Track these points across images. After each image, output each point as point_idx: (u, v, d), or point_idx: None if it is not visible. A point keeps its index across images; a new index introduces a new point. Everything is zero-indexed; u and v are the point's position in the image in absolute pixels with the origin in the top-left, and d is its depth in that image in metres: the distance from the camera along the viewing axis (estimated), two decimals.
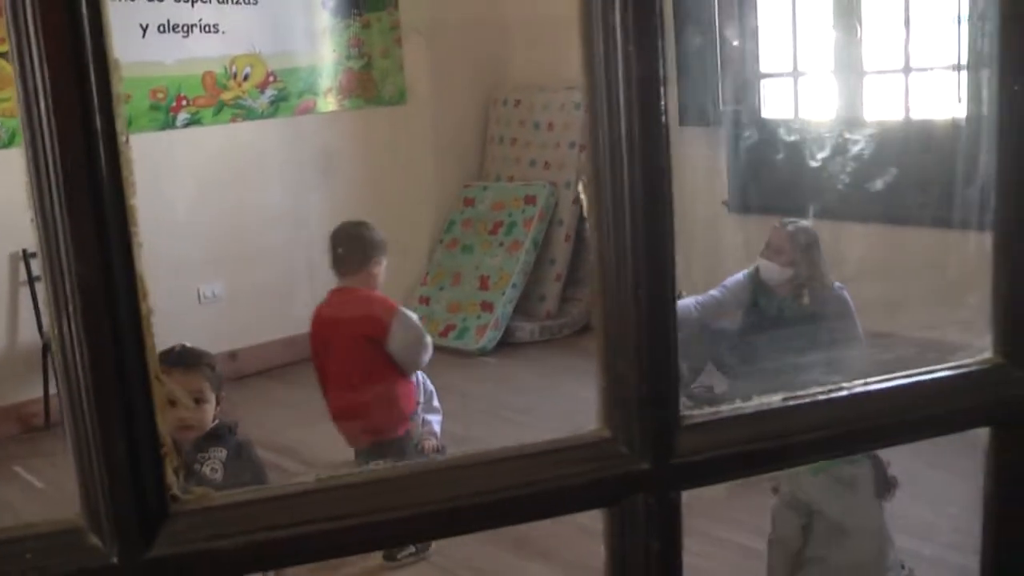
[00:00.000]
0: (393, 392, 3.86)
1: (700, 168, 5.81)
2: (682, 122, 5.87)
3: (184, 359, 2.66)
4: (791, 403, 0.74)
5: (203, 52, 5.62)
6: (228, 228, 5.74)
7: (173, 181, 5.52)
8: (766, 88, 5.78)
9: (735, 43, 5.69)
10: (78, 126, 0.56)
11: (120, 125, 0.58)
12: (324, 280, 5.91)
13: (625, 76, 0.63)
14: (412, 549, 3.78)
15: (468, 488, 0.68)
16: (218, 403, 2.66)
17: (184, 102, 5.58)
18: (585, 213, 0.67)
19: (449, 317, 6.22)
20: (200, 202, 5.63)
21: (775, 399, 0.74)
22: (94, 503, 0.59)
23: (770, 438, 0.72)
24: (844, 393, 0.76)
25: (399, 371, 3.85)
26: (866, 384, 0.77)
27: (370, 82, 6.32)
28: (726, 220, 5.80)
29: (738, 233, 5.55)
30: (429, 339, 3.92)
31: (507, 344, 6.05)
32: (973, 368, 0.81)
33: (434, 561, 3.79)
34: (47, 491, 4.31)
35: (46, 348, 4.86)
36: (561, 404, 4.79)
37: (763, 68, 5.77)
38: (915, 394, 0.79)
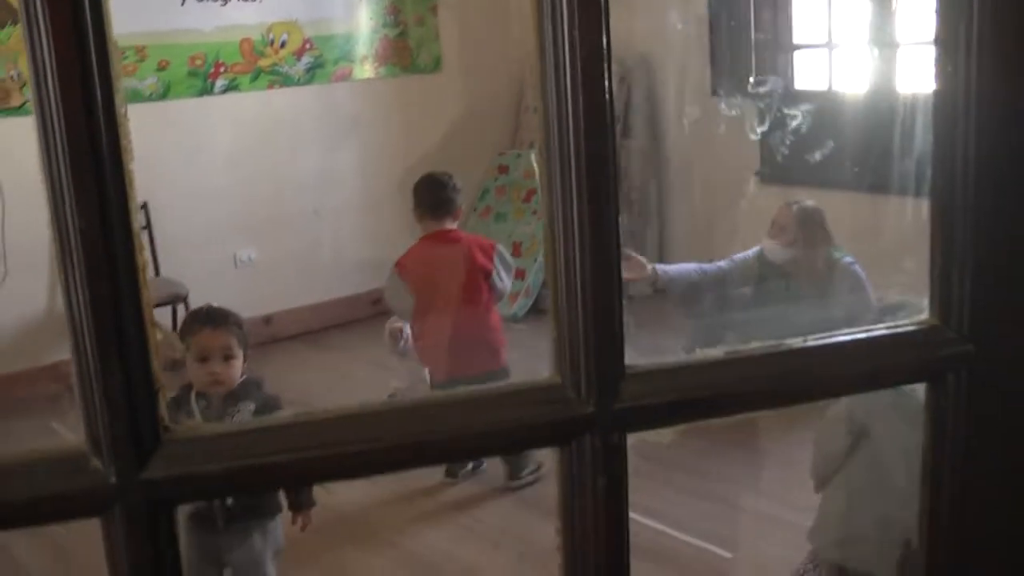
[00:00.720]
0: (498, 322, 4.17)
1: (732, 139, 5.82)
2: (714, 93, 5.88)
3: (212, 318, 2.78)
4: (732, 356, 0.80)
5: (241, 19, 5.71)
6: (264, 194, 5.85)
7: (211, 146, 5.64)
8: (799, 59, 5.77)
9: (768, 14, 5.69)
10: (81, 101, 0.64)
11: (119, 99, 0.66)
12: (355, 247, 6.06)
13: (571, 54, 0.70)
14: (470, 466, 4.12)
15: (434, 425, 0.75)
16: (245, 360, 2.76)
17: (222, 69, 5.68)
18: (538, 179, 0.74)
19: None
20: (237, 168, 5.74)
21: (717, 352, 0.80)
22: (95, 431, 0.68)
23: (710, 388, 0.79)
24: (784, 349, 0.83)
25: (494, 301, 4.12)
26: (805, 341, 0.83)
27: (405, 50, 6.38)
28: (758, 191, 5.82)
29: (770, 204, 5.56)
30: None
31: (538, 311, 6.12)
32: (911, 328, 0.87)
33: (461, 522, 3.90)
34: None
35: None
36: None
37: (796, 39, 5.76)
38: (854, 351, 0.85)
